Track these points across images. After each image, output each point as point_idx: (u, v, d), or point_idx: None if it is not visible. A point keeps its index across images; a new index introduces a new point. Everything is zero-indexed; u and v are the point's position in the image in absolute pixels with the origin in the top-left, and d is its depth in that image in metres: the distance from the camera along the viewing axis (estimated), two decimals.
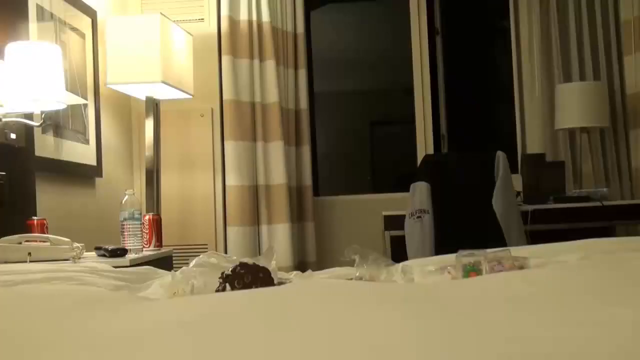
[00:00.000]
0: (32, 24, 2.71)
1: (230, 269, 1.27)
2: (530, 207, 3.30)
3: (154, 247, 2.73)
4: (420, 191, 3.16)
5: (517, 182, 3.52)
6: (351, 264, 1.47)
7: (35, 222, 2.33)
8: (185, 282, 1.31)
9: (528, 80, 3.94)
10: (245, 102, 3.79)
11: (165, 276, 1.62)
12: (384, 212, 3.50)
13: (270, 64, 3.80)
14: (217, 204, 3.80)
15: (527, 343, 0.69)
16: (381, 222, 3.54)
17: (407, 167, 4.37)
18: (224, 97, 3.74)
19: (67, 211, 3.01)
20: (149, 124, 3.30)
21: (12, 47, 2.30)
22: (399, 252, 3.22)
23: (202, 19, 3.84)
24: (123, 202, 2.54)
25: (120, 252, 2.31)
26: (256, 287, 1.24)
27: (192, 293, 1.28)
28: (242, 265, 1.28)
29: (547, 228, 3.33)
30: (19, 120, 2.42)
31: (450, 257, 1.47)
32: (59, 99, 2.38)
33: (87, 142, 3.18)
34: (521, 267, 1.36)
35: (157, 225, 2.76)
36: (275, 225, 3.76)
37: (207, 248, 3.69)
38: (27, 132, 2.52)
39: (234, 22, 3.79)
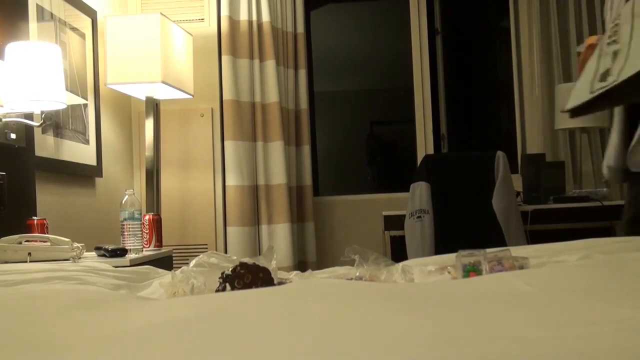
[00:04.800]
0: (32, 24, 2.71)
1: (230, 269, 1.27)
2: (530, 207, 3.31)
3: (154, 247, 2.73)
4: (420, 191, 3.17)
5: (517, 182, 3.52)
6: (351, 264, 1.47)
7: (35, 222, 2.33)
8: (185, 282, 1.31)
9: (528, 80, 3.95)
10: (245, 102, 3.79)
11: (165, 276, 1.62)
12: (384, 212, 3.51)
13: (270, 64, 3.80)
14: (217, 204, 3.80)
15: (527, 343, 0.69)
16: (381, 222, 3.54)
17: (407, 167, 4.37)
18: (224, 97, 3.74)
19: (67, 211, 3.01)
20: (149, 124, 3.30)
21: (12, 47, 2.30)
22: (399, 252, 3.22)
23: (202, 19, 3.85)
24: (123, 202, 2.54)
25: (120, 252, 2.30)
26: (256, 287, 1.24)
27: (192, 293, 1.28)
28: (242, 265, 1.28)
29: (547, 228, 3.34)
30: (19, 120, 2.42)
31: (450, 257, 1.47)
32: (59, 99, 2.38)
33: (87, 142, 3.17)
34: (521, 267, 1.36)
35: (157, 225, 2.76)
36: (275, 225, 3.76)
37: (207, 248, 3.69)
38: (27, 132, 2.52)
39: (234, 22, 3.79)
